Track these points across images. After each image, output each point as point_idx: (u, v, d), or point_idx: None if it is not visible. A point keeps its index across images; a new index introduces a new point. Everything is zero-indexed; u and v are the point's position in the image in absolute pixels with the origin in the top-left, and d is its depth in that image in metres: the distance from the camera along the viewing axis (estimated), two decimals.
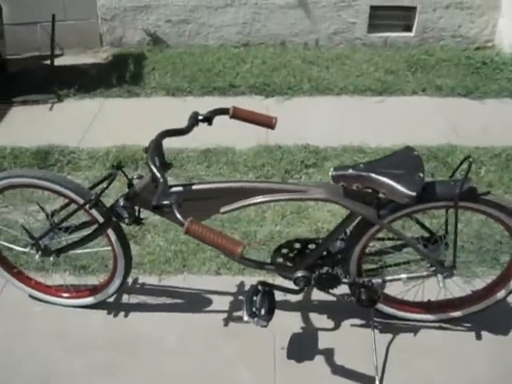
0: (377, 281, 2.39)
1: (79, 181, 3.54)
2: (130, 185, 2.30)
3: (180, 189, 2.21)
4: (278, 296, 2.55)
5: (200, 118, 2.29)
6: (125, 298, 2.85)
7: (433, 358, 2.54)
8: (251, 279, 2.79)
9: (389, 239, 2.48)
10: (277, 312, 2.41)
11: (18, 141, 4.08)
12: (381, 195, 2.14)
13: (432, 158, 3.83)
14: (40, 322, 2.74)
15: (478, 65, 5.16)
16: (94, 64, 5.42)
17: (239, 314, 2.67)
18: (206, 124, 2.30)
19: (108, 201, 2.41)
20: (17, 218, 3.18)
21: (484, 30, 5.63)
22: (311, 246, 2.44)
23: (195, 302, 2.83)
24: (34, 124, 4.44)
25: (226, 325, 2.70)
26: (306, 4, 5.51)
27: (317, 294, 2.69)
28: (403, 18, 5.64)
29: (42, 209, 2.56)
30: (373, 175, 2.08)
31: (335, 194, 2.18)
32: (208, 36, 5.68)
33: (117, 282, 2.66)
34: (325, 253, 2.43)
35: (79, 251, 2.59)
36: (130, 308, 2.80)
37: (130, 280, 2.90)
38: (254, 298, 2.35)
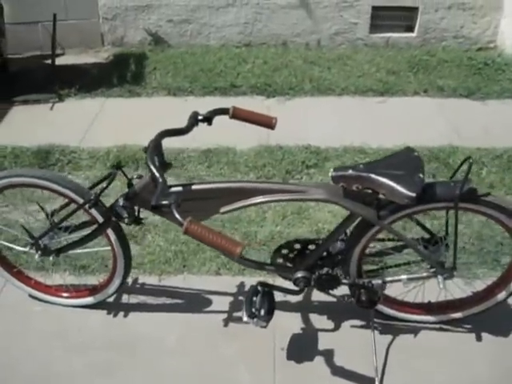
0: (377, 282, 2.38)
1: (80, 180, 3.54)
2: (130, 185, 2.30)
3: (179, 189, 2.20)
4: (278, 296, 2.55)
5: (200, 117, 2.28)
6: (124, 298, 2.85)
7: (433, 359, 2.53)
8: (251, 280, 2.78)
9: (389, 240, 2.48)
10: (277, 313, 2.41)
11: (18, 140, 4.08)
12: (381, 196, 2.14)
13: (433, 159, 3.83)
14: (40, 321, 2.74)
15: (480, 66, 5.15)
16: (95, 64, 5.42)
17: (239, 314, 2.66)
18: (205, 124, 2.30)
19: (108, 201, 2.40)
20: (17, 218, 3.17)
21: (486, 31, 5.62)
22: (311, 247, 2.44)
23: (195, 302, 2.83)
24: (35, 123, 4.44)
25: (225, 325, 2.70)
26: (308, 4, 5.51)
27: (317, 295, 2.69)
28: (405, 18, 5.63)
29: (42, 208, 2.56)
30: (373, 176, 2.08)
31: (335, 194, 2.18)
32: (209, 36, 5.68)
33: (116, 282, 2.66)
34: (325, 253, 2.43)
35: (79, 251, 2.59)
36: (129, 308, 2.80)
37: (129, 280, 2.89)
38: (254, 299, 2.34)
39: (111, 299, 2.78)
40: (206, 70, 5.13)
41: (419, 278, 2.44)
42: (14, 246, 2.73)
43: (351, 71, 5.14)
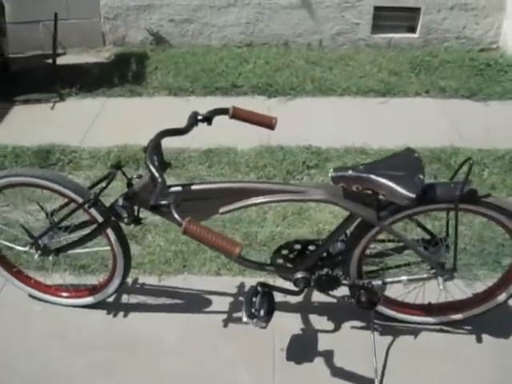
0: (377, 283, 2.37)
1: (80, 180, 3.55)
2: (130, 184, 2.30)
3: (178, 189, 2.20)
4: (278, 297, 2.54)
5: (199, 117, 2.28)
6: (124, 298, 2.85)
7: (433, 360, 2.52)
8: (251, 280, 2.78)
9: (389, 241, 2.47)
10: (276, 313, 2.41)
11: (19, 140, 4.08)
12: (381, 197, 2.13)
13: (435, 160, 3.82)
14: (39, 321, 2.74)
15: (482, 66, 5.14)
16: (96, 63, 5.42)
17: (239, 314, 2.65)
18: (205, 124, 2.30)
19: (109, 200, 2.39)
20: (17, 217, 3.17)
21: (488, 32, 5.61)
22: (311, 248, 2.43)
23: (195, 302, 2.83)
24: (36, 123, 4.44)
25: (225, 326, 2.69)
26: (310, 4, 5.50)
27: (317, 296, 2.69)
28: (407, 18, 5.62)
29: (42, 208, 2.55)
30: (372, 177, 2.07)
31: (335, 195, 2.17)
32: (211, 36, 5.68)
33: (116, 282, 2.65)
34: (325, 254, 2.42)
35: (79, 251, 2.59)
36: (129, 308, 2.79)
37: (129, 280, 2.89)
38: (254, 299, 2.34)
39: (111, 299, 2.78)
40: (207, 70, 5.13)
41: (419, 279, 2.43)
42: (14, 246, 2.73)
43: (353, 72, 5.13)
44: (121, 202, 2.28)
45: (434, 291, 2.46)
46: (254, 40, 5.68)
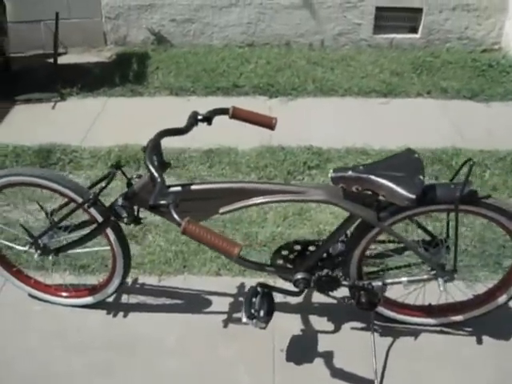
0: (377, 284, 2.37)
1: (81, 180, 3.55)
2: (129, 184, 2.29)
3: (178, 189, 2.19)
4: (278, 298, 2.54)
5: (199, 117, 2.28)
6: (124, 298, 2.84)
7: (433, 361, 2.52)
8: (252, 280, 2.78)
9: (389, 242, 2.47)
10: (276, 314, 2.41)
11: (20, 139, 4.07)
12: (381, 198, 2.12)
13: (436, 161, 3.81)
14: (39, 321, 2.73)
15: (484, 67, 5.14)
16: (97, 63, 5.42)
17: (239, 315, 2.64)
18: (205, 124, 2.29)
19: (110, 200, 2.39)
20: (17, 217, 3.17)
21: (491, 33, 5.60)
22: (311, 248, 2.42)
23: (195, 302, 2.82)
24: (37, 122, 4.44)
25: (225, 326, 2.69)
26: (312, 4, 5.50)
27: (317, 297, 2.68)
28: (409, 19, 5.62)
29: (42, 207, 2.55)
30: (372, 177, 2.06)
31: (335, 195, 2.16)
32: (212, 36, 5.67)
33: (116, 282, 2.65)
34: (325, 255, 2.42)
35: (78, 250, 2.58)
36: (129, 308, 2.79)
37: (129, 280, 2.89)
38: (253, 300, 2.34)
39: (111, 299, 2.78)
40: (208, 70, 5.13)
41: (420, 281, 2.43)
42: (14, 245, 2.73)
43: (354, 72, 5.13)
44: (120, 201, 2.28)
45: (435, 292, 2.45)
46: (256, 40, 5.68)
